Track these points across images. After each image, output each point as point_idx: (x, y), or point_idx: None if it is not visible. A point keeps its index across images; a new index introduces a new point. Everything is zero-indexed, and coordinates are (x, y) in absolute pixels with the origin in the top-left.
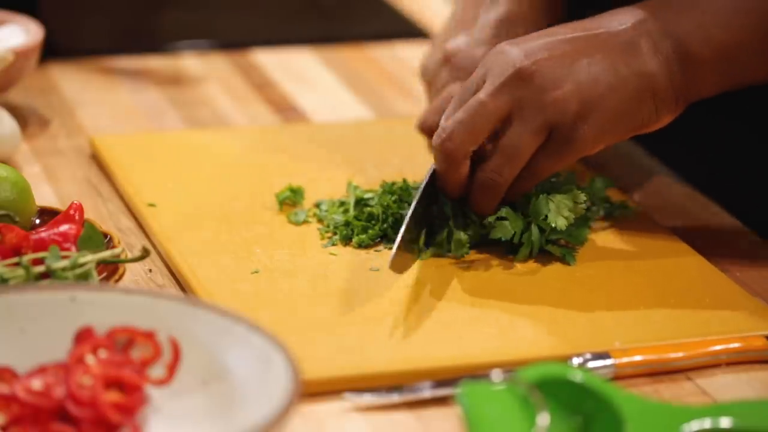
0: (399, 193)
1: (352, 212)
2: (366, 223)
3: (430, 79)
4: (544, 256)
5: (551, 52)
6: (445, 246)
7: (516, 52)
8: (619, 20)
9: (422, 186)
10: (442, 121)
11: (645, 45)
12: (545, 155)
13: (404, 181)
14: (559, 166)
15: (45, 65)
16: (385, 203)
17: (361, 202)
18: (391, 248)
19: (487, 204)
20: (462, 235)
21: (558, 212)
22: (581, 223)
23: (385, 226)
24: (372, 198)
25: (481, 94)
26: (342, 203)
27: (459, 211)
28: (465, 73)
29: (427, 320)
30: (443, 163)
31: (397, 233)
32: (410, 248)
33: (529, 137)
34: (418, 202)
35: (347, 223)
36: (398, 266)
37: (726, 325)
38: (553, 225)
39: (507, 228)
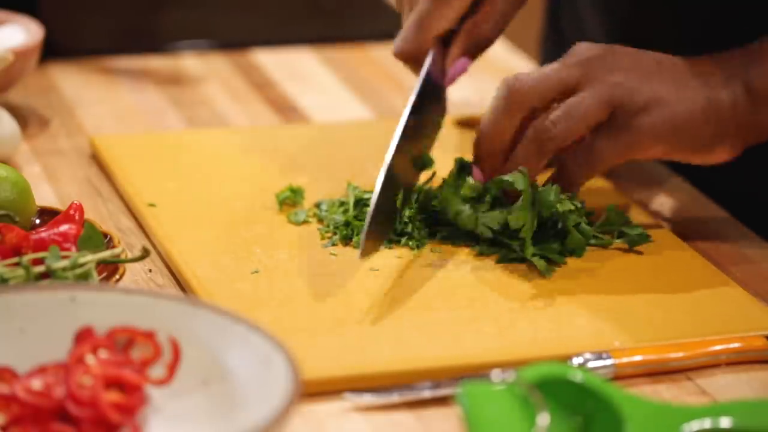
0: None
1: (351, 212)
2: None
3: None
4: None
5: (633, 57)
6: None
7: (604, 47)
8: (699, 58)
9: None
10: (515, 77)
11: (715, 77)
12: (602, 137)
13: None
14: (614, 156)
15: (45, 65)
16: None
17: (360, 202)
18: (391, 248)
19: (533, 156)
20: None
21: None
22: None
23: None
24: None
25: (559, 63)
26: (342, 203)
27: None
28: None
29: (427, 320)
30: (503, 103)
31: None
32: (382, 232)
33: (593, 105)
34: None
35: (347, 223)
36: (368, 251)
37: (726, 325)
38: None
39: (521, 180)
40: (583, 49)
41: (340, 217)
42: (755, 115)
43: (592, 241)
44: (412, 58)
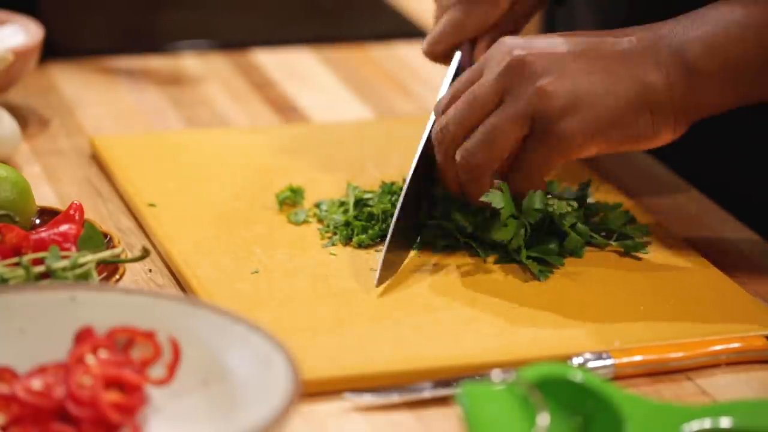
0: (398, 193)
1: (351, 212)
2: (366, 223)
3: None
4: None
5: (551, 49)
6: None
7: (515, 44)
8: (624, 33)
9: (403, 192)
10: (438, 110)
11: (647, 56)
12: (528, 149)
13: (404, 181)
14: (546, 164)
15: (45, 65)
16: (384, 204)
17: (360, 203)
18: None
19: (471, 184)
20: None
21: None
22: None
23: (384, 226)
24: (371, 198)
25: (475, 87)
26: (342, 203)
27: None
28: None
29: (427, 320)
30: (439, 154)
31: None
32: (402, 252)
33: (508, 123)
34: (401, 209)
35: (347, 223)
36: (384, 278)
37: (726, 325)
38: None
39: (498, 197)
40: (503, 51)
41: (340, 217)
42: (694, 92)
43: (592, 240)
44: (441, 58)
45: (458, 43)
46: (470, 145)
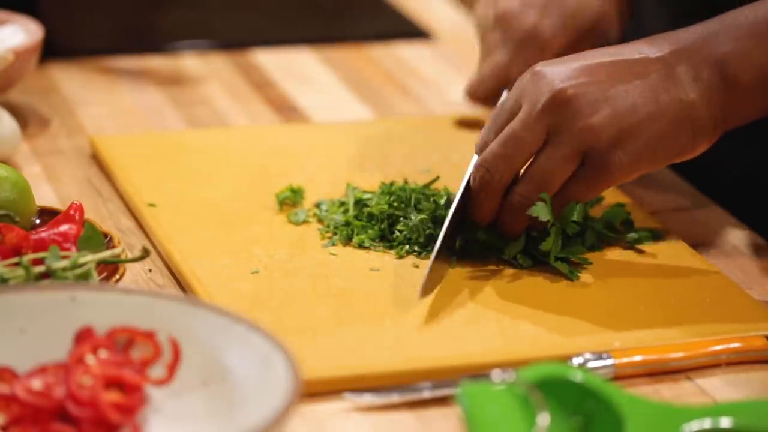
0: (397, 193)
1: (351, 212)
2: (366, 223)
3: (482, 36)
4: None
5: (589, 76)
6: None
7: (552, 76)
8: (659, 46)
9: (454, 205)
10: (479, 147)
11: (684, 72)
12: (577, 182)
13: (405, 181)
14: (592, 194)
15: (45, 65)
16: (382, 205)
17: (360, 203)
18: (389, 248)
19: (515, 227)
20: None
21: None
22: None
23: (383, 226)
24: (371, 198)
25: (517, 125)
26: (342, 203)
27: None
28: (512, 41)
29: (427, 320)
30: (481, 193)
31: (393, 233)
32: (443, 265)
33: (561, 164)
34: (450, 223)
35: (347, 223)
36: (428, 289)
37: (726, 325)
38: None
39: (544, 210)
40: (543, 86)
41: (340, 217)
42: (732, 105)
43: (607, 236)
44: (483, 101)
45: (501, 86)
46: (524, 189)
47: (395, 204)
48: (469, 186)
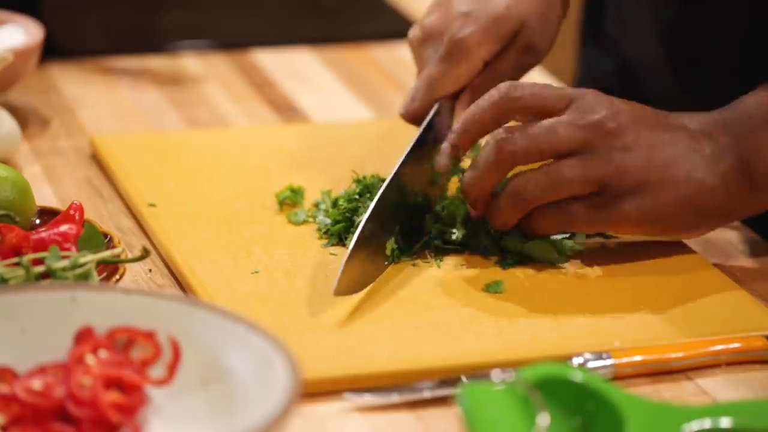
0: (365, 183)
1: (331, 215)
2: (345, 222)
3: (414, 56)
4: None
5: (635, 118)
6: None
7: (605, 103)
8: (689, 120)
9: (381, 189)
10: (507, 95)
11: (708, 152)
12: (582, 204)
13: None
14: (588, 225)
15: (45, 65)
16: (350, 193)
17: (336, 203)
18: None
19: (504, 214)
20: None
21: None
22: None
23: (347, 214)
24: (342, 196)
25: (559, 122)
26: (335, 202)
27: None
28: (439, 53)
29: (428, 320)
30: (492, 157)
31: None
32: (372, 261)
33: (578, 178)
34: (375, 208)
35: (336, 222)
36: (347, 288)
37: (726, 325)
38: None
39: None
40: (587, 106)
41: (328, 220)
42: (747, 204)
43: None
44: (419, 119)
45: (434, 101)
46: (532, 177)
47: (359, 191)
48: (397, 178)
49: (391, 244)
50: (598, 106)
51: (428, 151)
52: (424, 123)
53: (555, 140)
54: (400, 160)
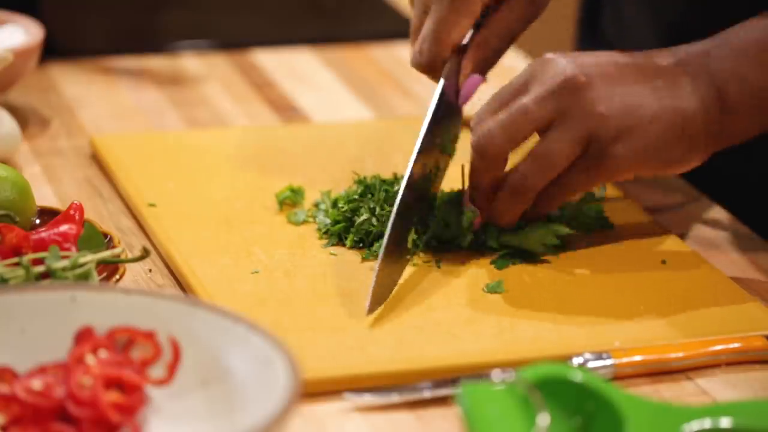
0: (366, 183)
1: (331, 215)
2: (345, 222)
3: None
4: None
5: (599, 68)
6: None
7: (566, 63)
8: (663, 57)
9: (399, 197)
10: (477, 120)
11: (686, 83)
12: (577, 170)
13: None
14: (588, 185)
15: (45, 65)
16: (351, 193)
17: (336, 203)
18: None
19: (510, 211)
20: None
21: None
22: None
23: (347, 214)
24: (342, 197)
25: (526, 99)
26: (334, 202)
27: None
28: None
29: (428, 320)
30: (480, 162)
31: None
32: (395, 268)
33: (567, 146)
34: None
35: (336, 222)
36: (377, 301)
37: (726, 325)
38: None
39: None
40: (555, 70)
41: (328, 220)
42: (727, 126)
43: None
44: (430, 70)
45: (444, 50)
46: (525, 168)
47: (360, 191)
48: (412, 180)
49: (411, 236)
50: (559, 68)
51: (440, 135)
52: (432, 104)
53: (530, 119)
54: (415, 154)
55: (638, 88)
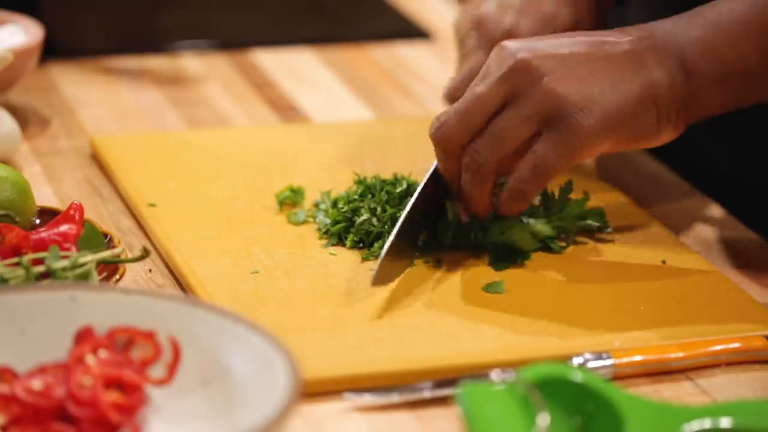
0: (366, 184)
1: (331, 215)
2: (345, 222)
3: (460, 41)
4: (543, 255)
5: (555, 50)
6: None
7: (517, 47)
8: (625, 33)
9: (417, 191)
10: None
11: (649, 57)
12: (545, 145)
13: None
14: (559, 163)
15: (45, 65)
16: (351, 193)
17: (336, 203)
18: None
19: (476, 193)
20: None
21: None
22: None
23: (347, 214)
24: (342, 198)
25: (478, 85)
26: (334, 202)
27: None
28: (491, 42)
29: (427, 320)
30: (439, 152)
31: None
32: (403, 255)
33: (518, 121)
34: (412, 208)
35: (336, 222)
36: (383, 278)
37: (726, 325)
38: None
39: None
40: (506, 54)
41: (328, 219)
42: (694, 93)
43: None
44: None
45: None
46: (478, 145)
47: (360, 191)
48: (431, 180)
49: (423, 236)
50: (511, 53)
51: None
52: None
53: (483, 104)
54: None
55: (596, 64)
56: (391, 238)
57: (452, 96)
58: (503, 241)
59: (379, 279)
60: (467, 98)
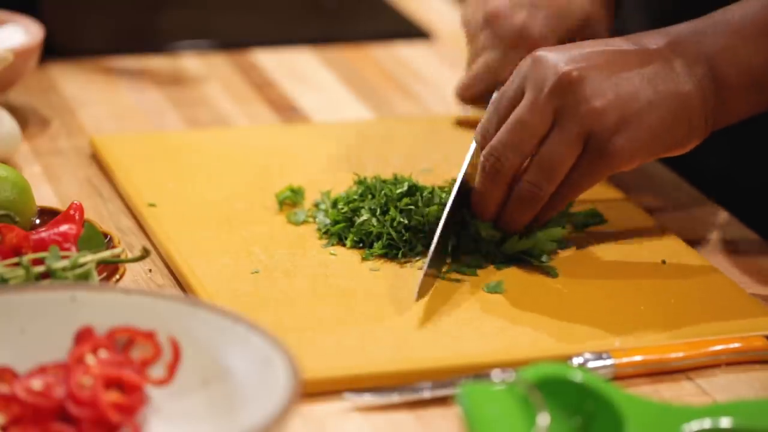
0: (366, 184)
1: (331, 215)
2: (345, 222)
3: (470, 37)
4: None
5: (590, 61)
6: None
7: (556, 59)
8: (654, 40)
9: (449, 203)
10: (481, 138)
11: (679, 66)
12: (580, 169)
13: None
14: (594, 180)
15: (45, 65)
16: (351, 194)
17: (336, 204)
18: (388, 249)
19: (521, 219)
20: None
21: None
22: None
23: (347, 215)
24: (342, 198)
25: (524, 110)
26: (334, 202)
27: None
28: (502, 41)
29: (427, 320)
30: (490, 183)
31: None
32: (436, 265)
33: (567, 148)
34: (446, 221)
35: (336, 222)
36: (424, 290)
37: (726, 325)
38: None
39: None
40: (546, 69)
41: (328, 219)
42: (724, 103)
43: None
44: (474, 101)
45: (491, 87)
46: (533, 178)
47: (360, 191)
48: (463, 184)
49: (452, 241)
50: (548, 71)
51: None
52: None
53: (532, 132)
54: (466, 163)
55: (631, 75)
56: (431, 250)
57: (464, 94)
58: (520, 249)
59: (422, 292)
60: (516, 126)
